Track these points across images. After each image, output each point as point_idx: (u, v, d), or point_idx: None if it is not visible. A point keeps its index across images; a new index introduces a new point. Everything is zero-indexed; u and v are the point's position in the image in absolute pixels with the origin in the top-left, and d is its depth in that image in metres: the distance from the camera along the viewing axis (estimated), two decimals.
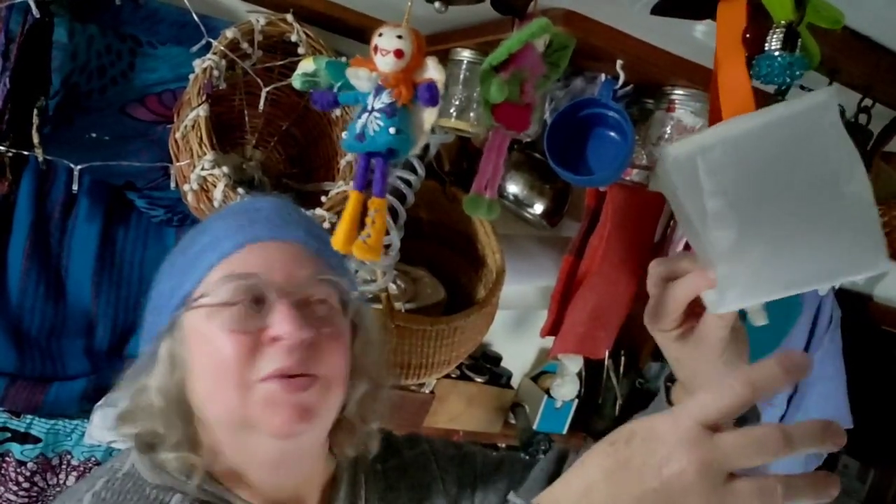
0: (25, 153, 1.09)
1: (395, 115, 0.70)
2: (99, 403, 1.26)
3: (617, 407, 1.87)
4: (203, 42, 1.17)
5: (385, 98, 0.70)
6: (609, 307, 1.47)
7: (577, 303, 1.47)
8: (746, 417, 0.70)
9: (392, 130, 0.69)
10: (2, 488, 1.24)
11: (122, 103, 1.19)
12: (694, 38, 0.94)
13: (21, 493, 1.26)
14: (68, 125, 1.14)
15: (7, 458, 1.24)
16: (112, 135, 1.19)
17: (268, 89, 1.20)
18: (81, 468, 1.31)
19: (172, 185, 1.20)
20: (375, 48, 0.69)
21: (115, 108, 1.19)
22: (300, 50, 1.18)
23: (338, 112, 1.29)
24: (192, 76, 1.12)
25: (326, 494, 0.75)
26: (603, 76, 1.19)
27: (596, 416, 1.90)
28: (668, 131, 1.15)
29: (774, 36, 0.66)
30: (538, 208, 1.53)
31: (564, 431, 1.88)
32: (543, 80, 0.84)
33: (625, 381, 1.88)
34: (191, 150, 1.08)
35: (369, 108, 0.71)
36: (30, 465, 1.26)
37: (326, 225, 1.12)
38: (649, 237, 1.47)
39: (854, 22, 0.84)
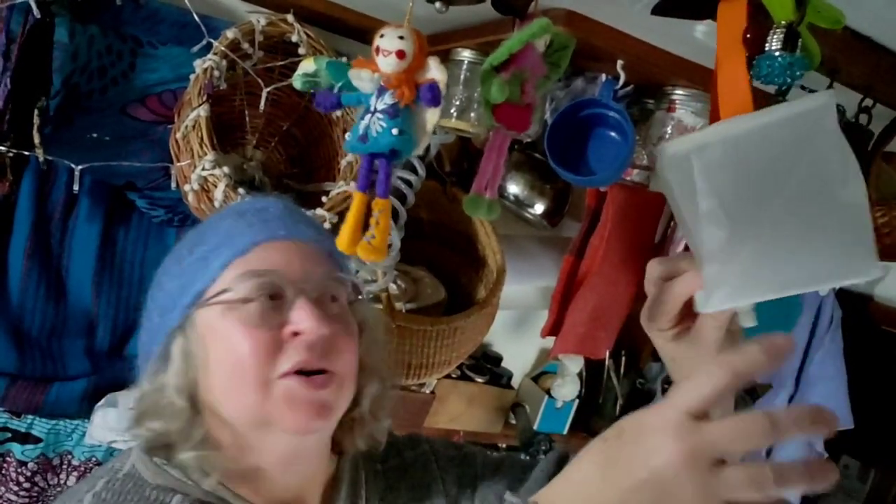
0: (26, 153, 1.09)
1: (398, 116, 0.70)
2: (99, 403, 1.27)
3: (617, 407, 1.87)
4: (204, 42, 1.17)
5: (387, 99, 0.70)
6: (609, 307, 1.47)
7: (577, 303, 1.47)
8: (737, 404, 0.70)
9: (395, 131, 0.69)
10: (2, 488, 1.24)
11: (122, 103, 1.19)
12: (694, 38, 0.94)
13: (21, 493, 1.26)
14: (69, 125, 1.14)
15: (8, 459, 1.24)
16: (113, 135, 1.19)
17: (268, 89, 1.20)
18: (82, 468, 1.31)
19: (173, 185, 1.20)
20: (377, 49, 0.69)
21: (116, 109, 1.19)
22: (301, 50, 1.18)
23: (338, 112, 1.29)
24: (192, 76, 1.12)
25: (328, 494, 0.76)
26: (603, 76, 1.19)
27: (596, 417, 1.90)
28: (669, 131, 1.16)
29: (775, 36, 0.66)
30: (539, 208, 1.53)
31: (565, 432, 1.88)
32: (544, 80, 0.84)
33: (625, 382, 1.88)
34: (191, 150, 1.08)
35: (372, 109, 0.71)
36: (30, 465, 1.26)
37: (327, 225, 1.12)
38: (650, 237, 1.48)
39: (854, 22, 0.84)
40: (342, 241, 0.73)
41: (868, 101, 1.10)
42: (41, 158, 1.10)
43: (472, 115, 1.03)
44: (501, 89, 0.74)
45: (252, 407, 0.65)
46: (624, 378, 1.87)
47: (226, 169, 1.06)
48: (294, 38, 1.17)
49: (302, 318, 0.65)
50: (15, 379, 1.22)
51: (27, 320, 1.24)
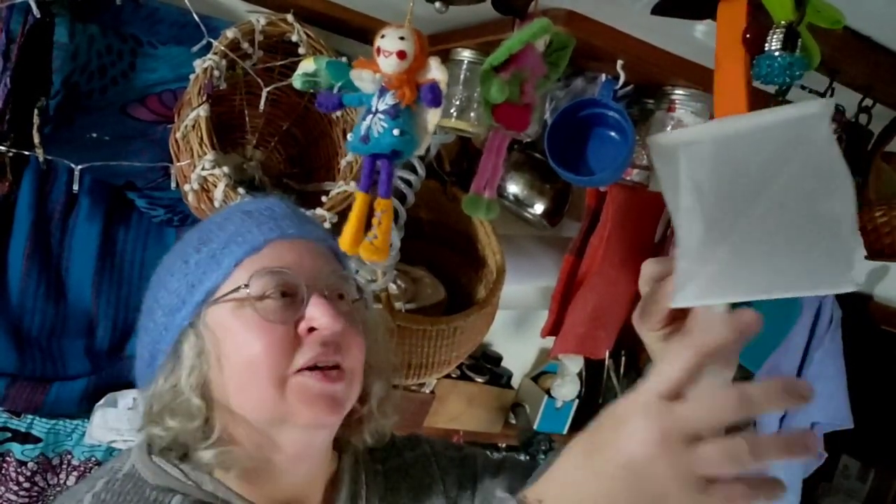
0: (26, 153, 1.09)
1: (399, 117, 0.70)
2: (99, 403, 1.27)
3: None
4: (203, 42, 1.17)
5: (389, 99, 0.70)
6: (609, 307, 1.47)
7: (577, 303, 1.47)
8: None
9: (396, 132, 0.70)
10: (2, 488, 1.24)
11: (122, 103, 1.19)
12: (694, 38, 0.94)
13: (21, 492, 1.26)
14: (69, 125, 1.14)
15: (7, 458, 1.24)
16: (112, 135, 1.19)
17: (268, 89, 1.20)
18: (82, 468, 1.31)
19: (173, 185, 1.20)
20: (378, 50, 0.69)
21: (116, 108, 1.19)
22: (301, 50, 1.18)
23: (338, 112, 1.29)
24: (192, 76, 1.12)
25: (328, 494, 0.76)
26: (603, 76, 1.19)
27: (596, 417, 1.90)
28: (669, 131, 1.16)
29: (774, 36, 0.66)
30: (538, 208, 1.53)
31: (565, 431, 1.88)
32: (543, 80, 0.84)
33: (625, 381, 1.88)
34: (191, 150, 1.08)
35: (373, 109, 0.71)
36: (30, 464, 1.26)
37: (327, 225, 1.12)
38: (650, 237, 1.48)
39: (854, 22, 0.84)
40: (345, 241, 0.73)
41: (868, 101, 1.10)
42: (41, 158, 1.10)
43: (472, 114, 1.03)
44: (501, 89, 0.74)
45: (267, 403, 0.66)
46: (624, 378, 1.87)
47: (225, 169, 1.06)
48: (294, 38, 1.17)
49: (318, 314, 0.66)
50: (15, 379, 1.22)
51: (27, 320, 1.24)
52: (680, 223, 0.56)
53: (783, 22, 0.66)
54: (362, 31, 1.27)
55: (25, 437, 1.26)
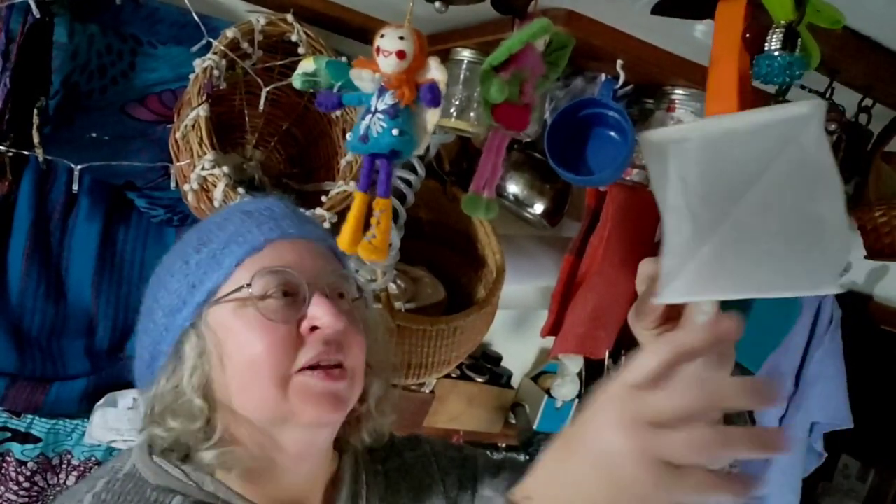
0: (26, 153, 1.09)
1: (398, 117, 0.70)
2: (99, 403, 1.27)
3: None
4: (203, 42, 1.17)
5: (388, 99, 0.70)
6: (609, 307, 1.47)
7: (577, 303, 1.47)
8: (735, 420, 0.70)
9: (395, 132, 0.70)
10: (2, 488, 1.24)
11: (122, 103, 1.19)
12: (694, 38, 0.94)
13: (21, 492, 1.26)
14: (68, 125, 1.14)
15: (7, 458, 1.24)
16: (112, 134, 1.19)
17: (268, 89, 1.20)
18: (82, 468, 1.31)
19: (172, 184, 1.20)
20: (378, 49, 0.69)
21: (116, 108, 1.19)
22: (300, 50, 1.18)
23: (338, 112, 1.29)
24: (192, 76, 1.12)
25: (329, 494, 0.76)
26: (603, 76, 1.19)
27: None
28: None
29: (774, 36, 0.66)
30: (538, 208, 1.53)
31: None
32: (543, 79, 0.84)
33: None
34: (191, 149, 1.08)
35: (372, 109, 0.71)
36: (30, 464, 1.26)
37: (326, 224, 1.12)
38: (650, 237, 1.47)
39: (854, 22, 0.84)
40: (343, 240, 0.74)
41: (868, 101, 1.10)
42: (41, 158, 1.10)
43: (472, 114, 1.03)
44: (501, 89, 0.74)
45: (270, 402, 0.66)
46: None
47: (225, 168, 1.06)
48: (294, 38, 1.17)
49: (320, 312, 0.67)
50: (15, 379, 1.22)
51: (27, 320, 1.24)
52: (667, 220, 0.56)
53: (783, 22, 0.66)
54: (362, 31, 1.27)
55: (25, 437, 1.26)
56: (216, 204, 1.06)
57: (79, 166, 1.14)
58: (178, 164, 1.13)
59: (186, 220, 1.30)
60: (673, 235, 0.56)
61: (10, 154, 1.09)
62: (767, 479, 1.66)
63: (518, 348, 1.88)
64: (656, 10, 0.80)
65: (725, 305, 0.61)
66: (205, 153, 1.06)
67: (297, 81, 0.78)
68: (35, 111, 1.08)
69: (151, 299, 0.72)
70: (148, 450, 0.69)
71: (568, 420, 1.86)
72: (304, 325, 0.67)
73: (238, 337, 0.66)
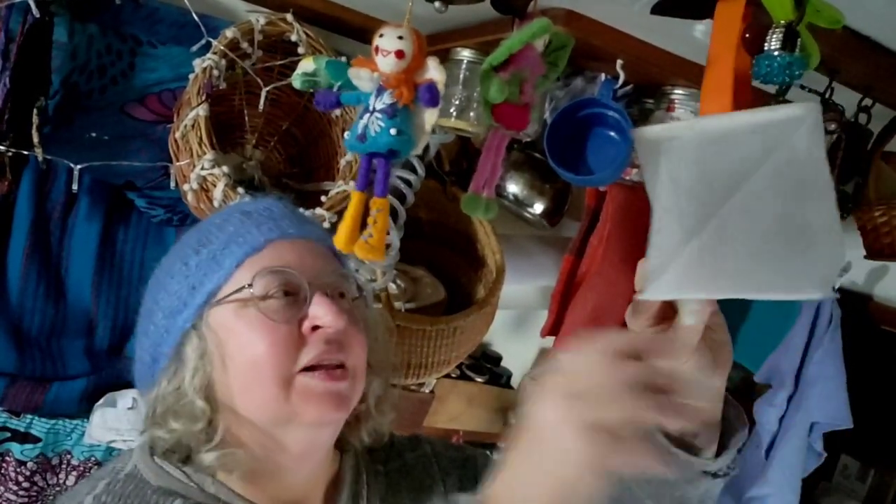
0: (25, 153, 1.09)
1: (397, 116, 0.70)
2: (99, 403, 1.27)
3: None
4: (203, 42, 1.17)
5: (386, 99, 0.70)
6: (609, 307, 1.47)
7: (577, 303, 1.47)
8: (732, 422, 0.70)
9: (393, 131, 0.70)
10: (2, 488, 1.24)
11: (122, 103, 1.19)
12: (694, 38, 0.94)
13: (21, 492, 1.26)
14: (68, 125, 1.14)
15: (7, 458, 1.24)
16: (112, 134, 1.19)
17: (268, 89, 1.20)
18: (81, 468, 1.31)
19: (172, 184, 1.20)
20: (377, 49, 0.69)
21: (115, 108, 1.19)
22: (300, 50, 1.18)
23: (337, 112, 1.29)
24: (191, 76, 1.12)
25: (330, 495, 0.76)
26: (603, 76, 1.19)
27: None
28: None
29: (774, 36, 0.66)
30: (538, 208, 1.52)
31: None
32: (543, 79, 0.84)
33: None
34: (191, 149, 1.08)
35: (371, 108, 0.71)
36: (30, 464, 1.26)
37: (326, 224, 1.12)
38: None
39: (854, 22, 0.84)
40: (339, 238, 0.73)
41: (868, 101, 1.10)
42: (40, 158, 1.10)
43: (472, 114, 1.03)
44: (501, 89, 0.74)
45: (272, 402, 0.66)
46: None
47: (225, 168, 1.06)
48: (293, 38, 1.17)
49: (322, 312, 0.67)
50: (14, 378, 1.22)
51: (27, 320, 1.24)
52: (655, 217, 0.56)
53: (783, 21, 0.66)
54: (362, 31, 1.27)
55: (25, 437, 1.26)
56: (216, 204, 1.06)
57: (78, 166, 1.14)
58: (177, 163, 1.13)
59: (186, 219, 1.30)
60: (660, 233, 0.56)
61: (10, 154, 1.09)
62: (767, 478, 1.66)
63: (518, 348, 1.88)
64: (656, 10, 0.80)
65: (723, 304, 0.61)
66: (204, 153, 1.06)
67: (296, 81, 0.78)
68: (35, 111, 1.08)
69: (151, 301, 0.72)
70: (149, 451, 0.69)
71: None
72: (306, 325, 0.67)
73: (240, 337, 0.67)
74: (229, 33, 1.12)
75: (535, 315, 1.79)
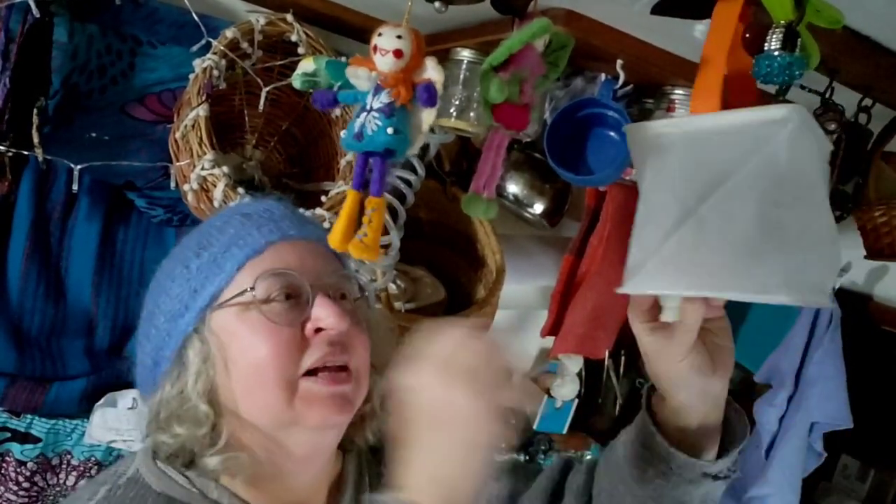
0: (25, 153, 1.09)
1: (394, 115, 0.69)
2: (99, 403, 1.27)
3: (617, 407, 1.87)
4: (203, 42, 1.17)
5: (384, 98, 0.70)
6: (609, 307, 1.47)
7: (577, 303, 1.47)
8: (732, 422, 0.70)
9: (390, 130, 0.69)
10: (2, 488, 1.24)
11: (122, 103, 1.19)
12: (694, 38, 0.94)
13: (21, 492, 1.26)
14: (68, 125, 1.14)
15: (7, 458, 1.24)
16: (112, 134, 1.19)
17: (268, 89, 1.20)
18: (81, 468, 1.31)
19: (172, 184, 1.20)
20: (375, 48, 0.69)
21: (115, 108, 1.19)
22: (300, 50, 1.18)
23: (338, 112, 1.29)
24: (192, 76, 1.12)
25: (332, 495, 0.76)
26: (603, 76, 1.19)
27: (596, 416, 1.90)
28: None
29: (774, 36, 0.66)
30: (538, 208, 1.53)
31: (564, 431, 1.87)
32: (543, 79, 0.84)
33: (625, 381, 1.88)
34: (191, 149, 1.08)
35: (368, 107, 0.71)
36: (30, 464, 1.26)
37: (326, 225, 1.11)
38: None
39: (854, 22, 0.84)
40: (334, 237, 0.73)
41: (868, 101, 1.10)
42: (40, 158, 1.10)
43: (472, 114, 1.03)
44: (501, 89, 0.74)
45: (276, 406, 0.66)
46: (623, 378, 1.87)
47: (225, 168, 1.06)
48: (293, 38, 1.17)
49: (324, 314, 0.67)
50: (14, 379, 1.22)
51: (26, 320, 1.24)
52: (639, 212, 0.56)
53: (783, 21, 0.66)
54: (362, 31, 1.27)
55: (25, 437, 1.26)
56: (216, 204, 1.06)
57: (78, 166, 1.14)
58: (177, 164, 1.13)
59: (186, 220, 1.30)
60: (642, 228, 0.57)
61: (10, 154, 1.09)
62: (767, 478, 1.66)
63: (518, 348, 1.87)
64: (656, 10, 0.80)
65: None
66: (204, 153, 1.06)
67: (296, 81, 0.78)
68: (35, 111, 1.08)
69: (152, 304, 0.72)
70: (152, 455, 0.68)
71: (578, 422, 1.87)
72: (308, 328, 0.67)
73: (242, 341, 0.66)
74: (229, 33, 1.12)
75: (535, 315, 1.79)
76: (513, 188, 1.51)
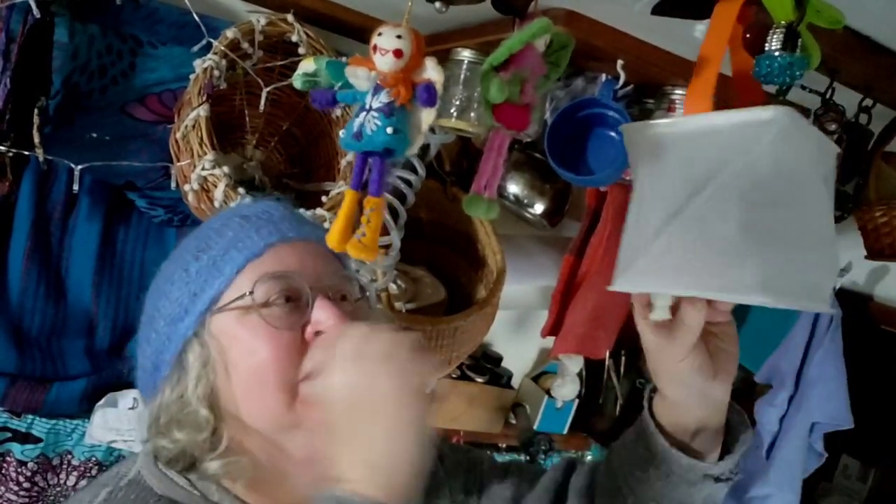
0: (26, 153, 1.09)
1: (393, 115, 0.69)
2: (99, 403, 1.27)
3: (617, 407, 1.87)
4: (203, 42, 1.17)
5: (383, 97, 0.69)
6: (609, 307, 1.47)
7: (577, 303, 1.47)
8: (734, 425, 0.70)
9: (389, 130, 0.69)
10: (2, 488, 1.24)
11: (122, 103, 1.19)
12: (694, 38, 0.94)
13: (21, 493, 1.26)
14: (69, 125, 1.14)
15: (7, 458, 1.25)
16: (112, 135, 1.19)
17: (268, 89, 1.20)
18: (82, 468, 1.31)
19: (173, 185, 1.20)
20: (375, 47, 0.69)
21: (116, 108, 1.19)
22: (301, 50, 1.18)
23: (338, 112, 1.29)
24: (192, 76, 1.12)
25: None
26: (603, 76, 1.19)
27: (597, 417, 1.90)
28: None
29: (774, 36, 0.66)
30: (538, 208, 1.53)
31: (565, 431, 1.88)
32: (543, 79, 0.83)
33: (625, 381, 1.88)
34: (191, 149, 1.08)
35: (367, 107, 0.70)
36: (30, 465, 1.26)
37: (327, 225, 1.11)
38: None
39: (854, 22, 0.84)
40: (332, 237, 0.73)
41: (868, 101, 1.10)
42: (41, 158, 1.10)
43: (472, 114, 1.02)
44: (501, 89, 0.74)
45: (277, 410, 0.65)
46: (624, 378, 1.87)
47: (226, 169, 1.06)
48: (294, 38, 1.17)
49: (324, 317, 0.66)
50: (15, 379, 1.22)
51: (27, 320, 1.24)
52: (630, 211, 0.56)
53: (783, 22, 0.66)
54: (362, 31, 1.27)
55: (25, 437, 1.26)
56: (216, 204, 1.06)
57: (79, 166, 1.14)
58: (178, 164, 1.13)
59: (187, 220, 1.30)
60: (633, 226, 0.57)
61: (11, 154, 1.09)
62: (768, 479, 1.66)
63: (518, 348, 1.88)
64: (656, 11, 0.80)
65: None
66: (205, 153, 1.06)
67: (297, 82, 0.78)
68: (35, 111, 1.08)
69: (152, 308, 0.71)
70: (153, 458, 0.68)
71: (579, 422, 1.87)
72: (309, 330, 0.67)
73: (242, 345, 0.66)
74: (230, 34, 1.12)
75: (535, 315, 1.79)
76: (513, 188, 1.51)
